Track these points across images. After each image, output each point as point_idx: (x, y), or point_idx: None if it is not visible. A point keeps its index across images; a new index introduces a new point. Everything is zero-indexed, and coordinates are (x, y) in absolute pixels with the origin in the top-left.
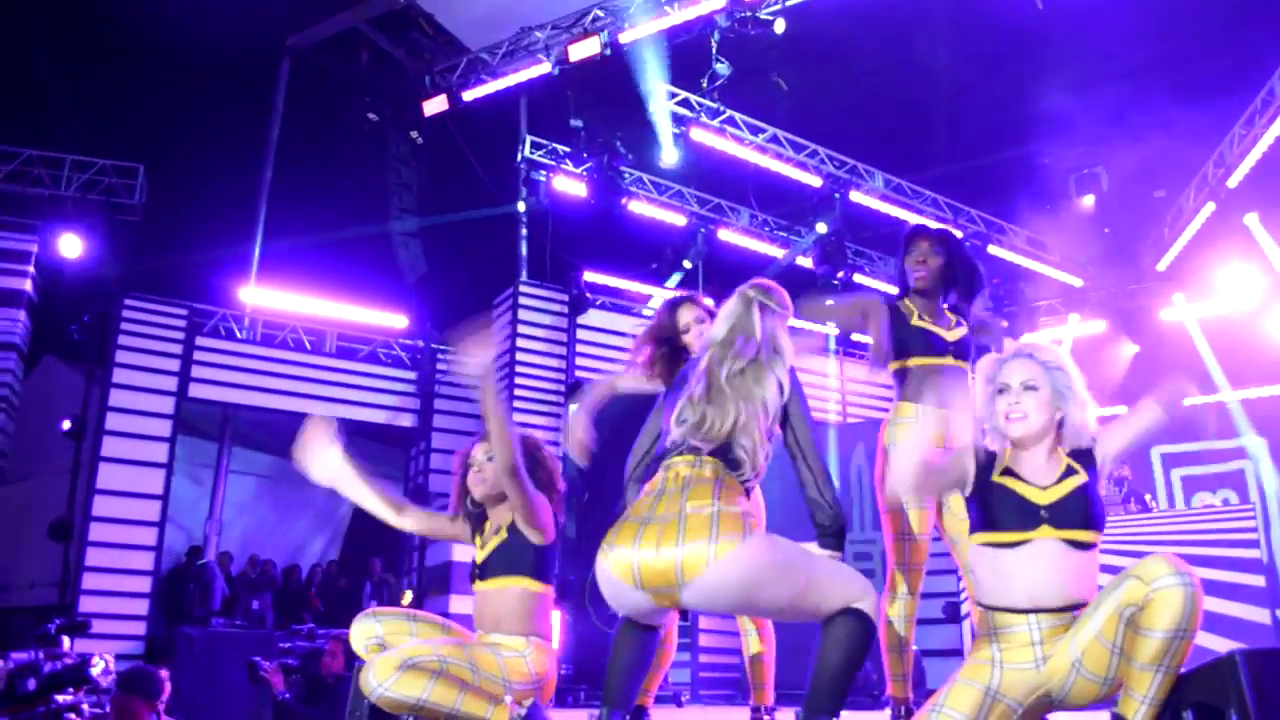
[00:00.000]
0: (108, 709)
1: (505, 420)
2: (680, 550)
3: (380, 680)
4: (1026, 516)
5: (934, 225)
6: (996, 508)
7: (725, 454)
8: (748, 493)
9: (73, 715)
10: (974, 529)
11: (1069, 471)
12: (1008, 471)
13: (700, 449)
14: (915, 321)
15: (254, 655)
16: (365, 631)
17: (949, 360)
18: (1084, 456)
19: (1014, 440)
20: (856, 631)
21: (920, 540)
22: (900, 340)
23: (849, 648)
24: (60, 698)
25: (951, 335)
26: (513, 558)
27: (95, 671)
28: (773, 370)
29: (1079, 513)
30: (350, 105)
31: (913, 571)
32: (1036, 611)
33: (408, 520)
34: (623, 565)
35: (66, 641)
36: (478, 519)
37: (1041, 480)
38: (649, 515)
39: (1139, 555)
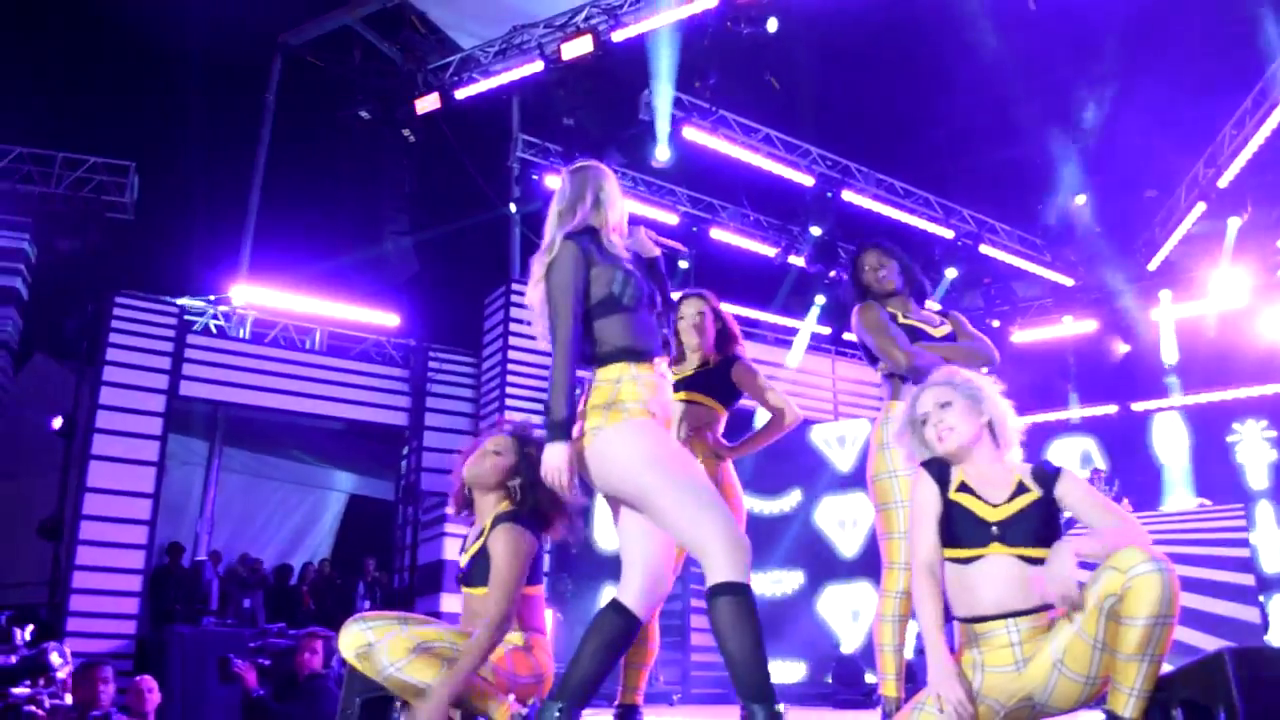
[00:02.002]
0: (66, 700)
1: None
2: None
3: (392, 660)
4: (979, 533)
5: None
6: (954, 524)
7: None
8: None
9: (32, 707)
10: (941, 544)
11: (1020, 489)
12: (963, 487)
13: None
14: (904, 320)
15: (233, 654)
16: (355, 640)
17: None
18: (1045, 479)
19: (952, 455)
20: (745, 612)
21: None
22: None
23: (745, 630)
24: (16, 690)
25: (939, 332)
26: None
27: (54, 662)
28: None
29: (1029, 531)
30: (342, 103)
31: (906, 570)
32: (1009, 615)
33: None
34: None
35: (22, 634)
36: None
37: (994, 496)
38: None
39: None
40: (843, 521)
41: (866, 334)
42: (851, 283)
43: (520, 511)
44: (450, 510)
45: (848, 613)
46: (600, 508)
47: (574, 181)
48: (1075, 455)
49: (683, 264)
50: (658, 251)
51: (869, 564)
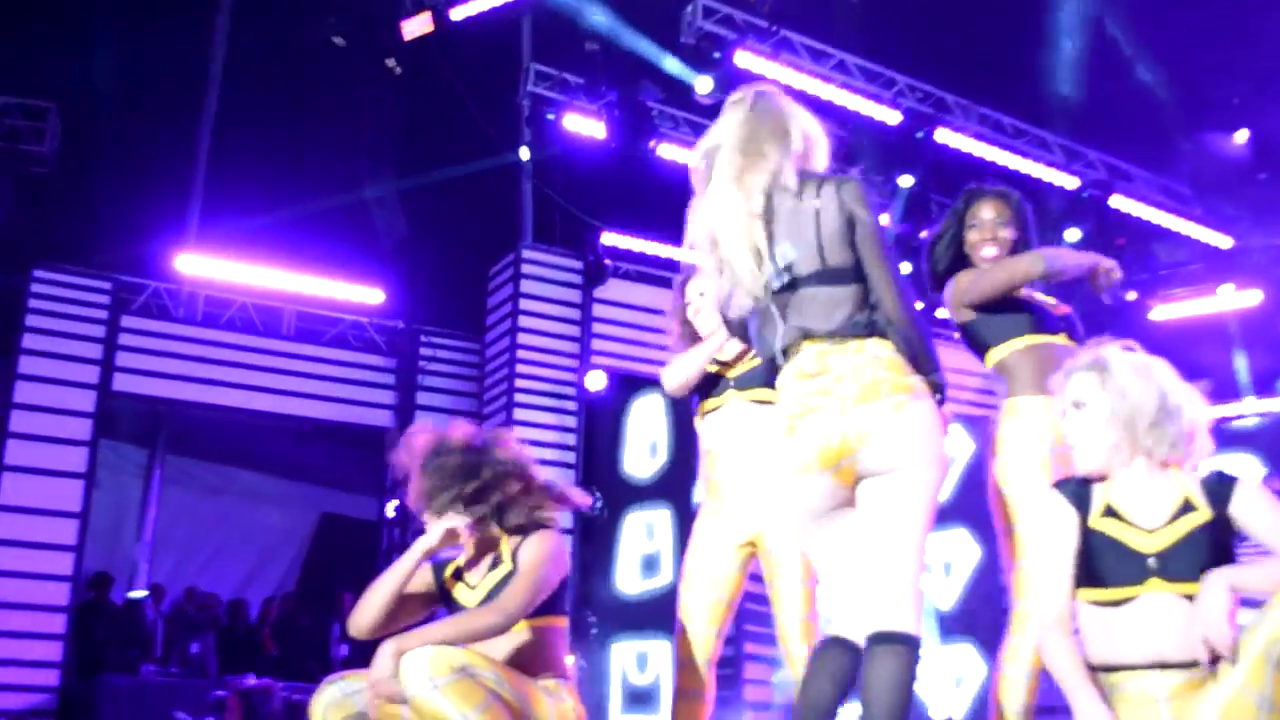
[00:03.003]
0: None
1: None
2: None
3: (435, 674)
4: (1131, 568)
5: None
6: (1096, 558)
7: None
8: None
9: None
10: (1078, 584)
11: (1185, 509)
12: (1109, 512)
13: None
14: (1020, 291)
15: (180, 709)
16: (335, 709)
17: (1062, 340)
18: (1218, 493)
19: (1089, 474)
20: (909, 669)
21: None
22: (1001, 319)
23: (903, 691)
24: None
25: (1062, 308)
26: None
27: None
28: None
29: (1196, 562)
30: (311, 26)
31: None
32: (1159, 667)
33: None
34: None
35: None
36: (446, 561)
37: (1149, 518)
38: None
39: None
40: (936, 565)
41: (964, 300)
42: (937, 244)
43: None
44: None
45: (948, 679)
46: (633, 533)
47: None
48: (1235, 463)
49: None
50: None
51: (971, 619)
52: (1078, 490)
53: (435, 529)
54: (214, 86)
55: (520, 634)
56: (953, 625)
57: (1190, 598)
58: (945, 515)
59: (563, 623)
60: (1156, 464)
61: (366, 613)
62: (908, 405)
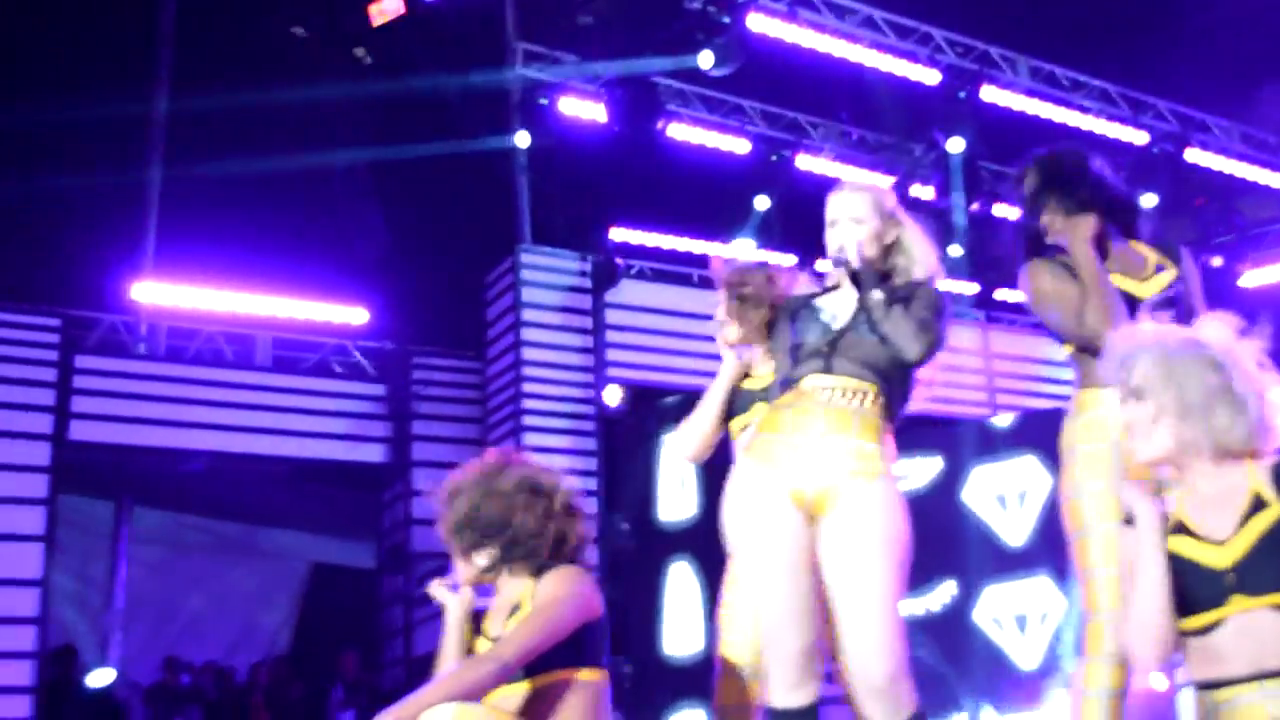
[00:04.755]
0: None
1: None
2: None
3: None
4: (1209, 589)
5: None
6: (1175, 584)
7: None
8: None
9: None
10: None
11: (1257, 505)
12: (1179, 527)
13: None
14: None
15: None
16: None
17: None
18: None
19: (1141, 464)
20: None
21: None
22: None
23: None
24: None
25: (1146, 289)
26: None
27: None
28: None
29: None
30: (268, 16)
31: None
32: (1269, 677)
33: None
34: None
35: None
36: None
37: (1219, 527)
38: None
39: None
40: (1003, 497)
41: (1044, 300)
42: (1022, 221)
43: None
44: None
45: (1021, 618)
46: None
47: None
48: None
49: (761, 204)
50: None
51: (1047, 552)
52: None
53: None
54: (163, 91)
55: (554, 696)
56: (1025, 561)
57: None
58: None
59: (593, 677)
60: (1227, 458)
61: None
62: None
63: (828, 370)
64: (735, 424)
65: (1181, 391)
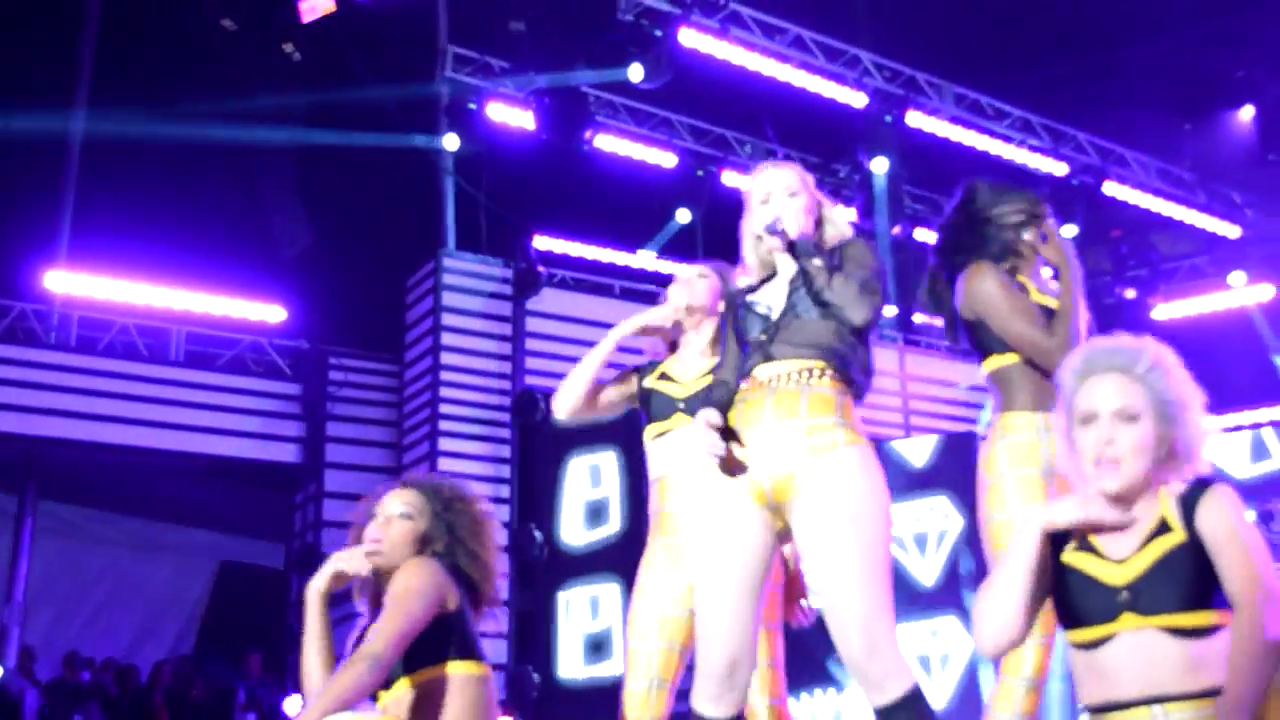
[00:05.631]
0: None
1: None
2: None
3: None
4: (1102, 604)
5: None
6: (1070, 597)
7: None
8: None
9: None
10: (1060, 623)
11: (1162, 529)
12: (1083, 543)
13: None
14: (1035, 297)
15: None
16: None
17: None
18: (1189, 503)
19: (1108, 496)
20: None
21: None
22: None
23: None
24: None
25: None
26: (426, 637)
27: None
28: None
29: (1172, 591)
30: (194, 8)
31: (1038, 646)
32: (1157, 701)
33: None
34: None
35: None
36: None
37: (1120, 547)
38: None
39: None
40: (920, 537)
41: (991, 310)
42: (956, 228)
43: None
44: (355, 598)
45: (933, 657)
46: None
47: None
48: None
49: (683, 217)
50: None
51: (956, 594)
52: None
53: None
54: (84, 80)
55: (419, 687)
56: (935, 601)
57: (1171, 630)
58: (926, 482)
59: (472, 670)
60: (1150, 482)
61: None
62: None
63: (770, 358)
64: (650, 430)
65: (1162, 409)
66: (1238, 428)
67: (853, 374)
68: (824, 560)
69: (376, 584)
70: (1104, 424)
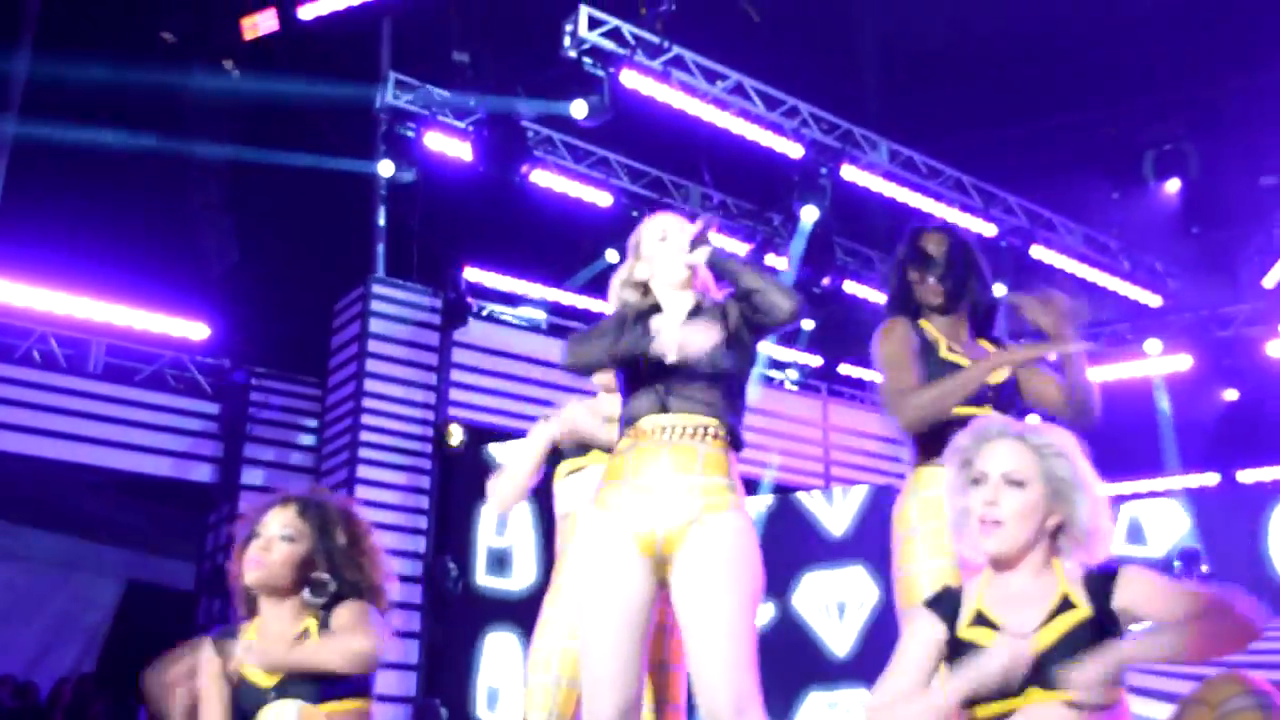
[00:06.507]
0: None
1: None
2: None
3: None
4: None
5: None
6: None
7: None
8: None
9: None
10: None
11: (1064, 605)
12: (979, 619)
13: None
14: (945, 353)
15: None
16: None
17: (987, 412)
18: (1100, 587)
19: (988, 556)
20: None
21: None
22: (923, 379)
23: None
24: None
25: (994, 377)
26: (335, 677)
27: None
28: None
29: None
30: (135, 18)
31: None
32: None
33: None
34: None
35: None
36: (227, 632)
37: (1024, 621)
38: None
39: None
40: (831, 607)
41: (877, 366)
42: (890, 286)
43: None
44: (241, 612)
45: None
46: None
47: None
48: (1162, 538)
49: (612, 257)
50: None
51: (868, 664)
52: (949, 601)
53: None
54: (16, 84)
55: (336, 716)
56: (845, 671)
57: (1076, 705)
58: (842, 552)
59: (369, 707)
60: (1046, 559)
61: None
62: None
63: (664, 409)
64: (564, 467)
65: (1058, 486)
66: (1118, 498)
67: (736, 433)
68: (701, 615)
69: (252, 599)
70: (990, 486)
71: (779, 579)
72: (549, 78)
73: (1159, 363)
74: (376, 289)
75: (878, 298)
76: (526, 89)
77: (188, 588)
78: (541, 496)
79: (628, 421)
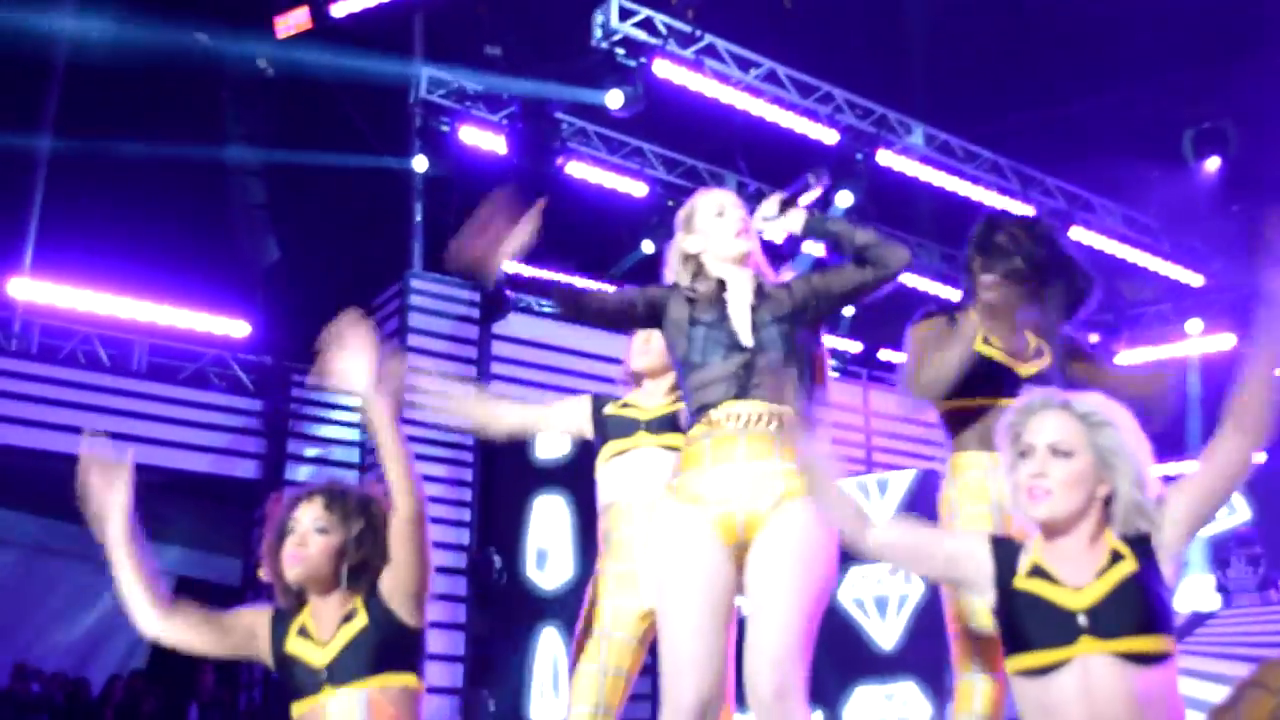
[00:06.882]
0: None
1: (407, 455)
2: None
3: None
4: (1060, 628)
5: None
6: (1023, 621)
7: None
8: None
9: None
10: (1005, 653)
11: (1115, 558)
12: (1036, 571)
13: None
14: (979, 345)
15: None
16: None
17: None
18: (1141, 541)
19: (1039, 523)
20: None
21: None
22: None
23: None
24: None
25: (1027, 369)
26: (384, 648)
27: None
28: None
29: (1129, 615)
30: (170, 20)
31: (995, 681)
32: None
33: (173, 627)
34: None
35: None
36: (288, 612)
37: (1077, 575)
38: None
39: None
40: (881, 600)
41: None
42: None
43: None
44: (284, 606)
45: None
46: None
47: None
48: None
49: (648, 248)
50: None
51: (915, 658)
52: (1007, 552)
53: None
54: (55, 86)
55: (387, 705)
56: (894, 665)
57: (1126, 656)
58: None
59: (411, 683)
60: (1098, 529)
61: None
62: None
63: (742, 396)
64: (607, 450)
65: (1101, 454)
66: (1167, 479)
67: (813, 419)
68: (767, 594)
69: (294, 592)
70: (1038, 458)
71: None
72: (581, 69)
73: (1202, 342)
74: (415, 283)
75: (917, 283)
76: (559, 81)
77: (234, 584)
78: (578, 489)
79: (700, 409)
